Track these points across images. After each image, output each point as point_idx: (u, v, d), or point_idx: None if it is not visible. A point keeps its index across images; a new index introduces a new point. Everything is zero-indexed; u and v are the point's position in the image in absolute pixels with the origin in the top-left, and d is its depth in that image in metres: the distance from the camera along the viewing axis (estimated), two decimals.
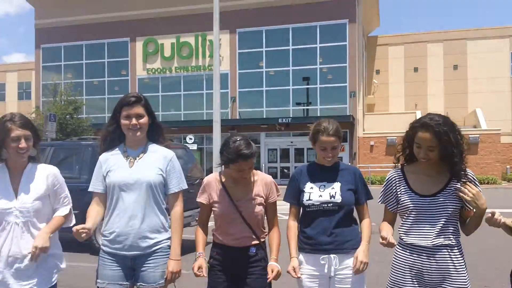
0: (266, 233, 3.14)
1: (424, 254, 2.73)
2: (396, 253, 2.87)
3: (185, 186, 3.04)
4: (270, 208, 3.12)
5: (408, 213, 2.79)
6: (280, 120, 29.65)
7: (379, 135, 30.66)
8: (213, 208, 3.07)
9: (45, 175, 2.87)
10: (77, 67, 35.41)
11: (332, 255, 2.96)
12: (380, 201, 3.01)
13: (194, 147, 24.74)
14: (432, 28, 63.81)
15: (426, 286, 2.75)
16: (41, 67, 36.28)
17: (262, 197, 3.07)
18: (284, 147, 31.24)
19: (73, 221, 3.00)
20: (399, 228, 2.87)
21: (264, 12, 31.01)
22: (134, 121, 2.88)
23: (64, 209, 2.94)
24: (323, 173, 3.06)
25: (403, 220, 2.85)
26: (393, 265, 2.88)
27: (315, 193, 3.00)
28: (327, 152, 3.01)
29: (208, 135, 29.18)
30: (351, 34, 30.24)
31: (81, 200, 8.76)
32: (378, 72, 37.87)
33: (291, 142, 30.99)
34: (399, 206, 2.86)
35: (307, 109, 31.77)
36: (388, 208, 2.96)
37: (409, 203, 2.77)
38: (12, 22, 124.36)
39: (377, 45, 37.88)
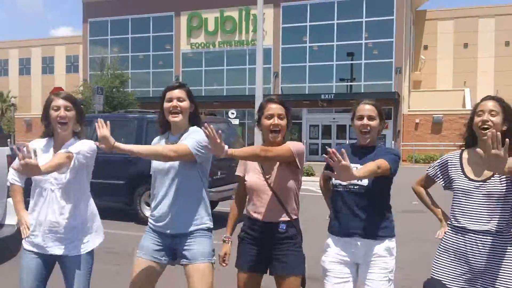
0: (297, 211, 3.08)
1: (472, 238, 2.68)
2: (445, 235, 2.84)
3: (190, 144, 2.87)
4: None
5: (459, 196, 2.76)
6: (322, 96, 29.35)
7: (425, 113, 29.92)
8: (245, 182, 3.08)
9: (79, 149, 2.96)
10: (123, 41, 36.00)
11: (359, 242, 2.89)
12: (429, 171, 3.02)
13: (236, 122, 24.86)
14: (484, 3, 61.05)
15: (471, 271, 2.70)
16: (88, 41, 37.08)
17: (295, 168, 3.01)
18: (326, 124, 30.97)
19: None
20: (450, 210, 2.84)
21: None
22: (174, 102, 2.95)
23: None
24: (360, 155, 2.95)
25: (454, 202, 2.80)
26: (440, 246, 2.85)
27: None
28: (363, 121, 2.90)
29: (250, 110, 29.32)
30: (398, 8, 29.37)
31: (126, 171, 9.15)
32: (426, 47, 36.71)
33: (333, 119, 30.67)
34: (450, 187, 2.85)
35: (351, 85, 31.28)
36: (435, 180, 2.98)
37: (461, 187, 2.74)
38: None
39: (426, 19, 36.63)
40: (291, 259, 2.96)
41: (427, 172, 3.05)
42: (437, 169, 2.97)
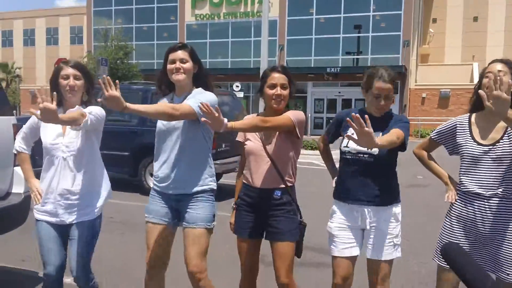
0: (294, 179, 3.10)
1: (479, 202, 2.69)
2: (453, 203, 2.84)
3: (193, 105, 2.82)
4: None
5: (467, 161, 2.74)
6: (328, 70, 29.12)
7: (432, 87, 29.70)
8: (244, 146, 3.10)
9: (92, 110, 2.99)
10: (127, 12, 35.65)
11: (366, 208, 2.90)
12: (433, 135, 2.98)
13: (241, 94, 24.77)
14: None
15: (478, 236, 2.71)
16: (92, 12, 36.76)
17: (295, 137, 3.02)
18: (331, 98, 30.82)
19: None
20: (458, 175, 2.83)
21: None
22: (177, 64, 2.93)
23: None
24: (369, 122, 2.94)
25: (462, 168, 2.79)
26: (448, 214, 2.85)
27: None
28: (380, 100, 2.87)
29: (255, 83, 29.05)
30: None
31: (132, 142, 9.17)
32: (434, 21, 36.14)
33: (339, 93, 30.52)
34: (457, 152, 2.84)
35: (357, 59, 30.99)
36: (440, 144, 2.95)
37: (469, 152, 2.72)
38: None
39: None
40: (285, 225, 2.99)
41: (432, 136, 3.01)
42: (443, 133, 2.92)
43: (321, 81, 30.16)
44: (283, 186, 3.00)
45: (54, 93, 2.65)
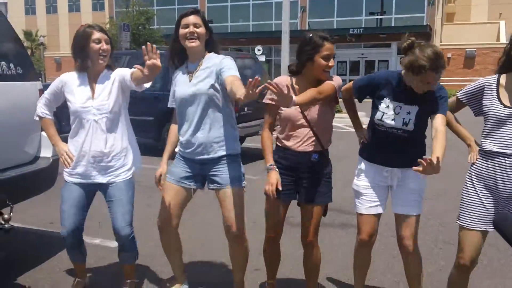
0: (330, 142, 3.12)
1: (499, 160, 2.68)
2: (475, 162, 2.83)
3: (237, 73, 2.88)
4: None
5: (492, 123, 2.72)
6: (351, 31, 28.57)
7: (458, 47, 28.98)
8: (279, 111, 3.06)
9: (114, 78, 3.07)
10: None
11: (395, 169, 2.95)
12: (460, 96, 2.90)
13: (263, 58, 24.61)
14: None
15: (499, 196, 2.72)
16: None
17: (333, 103, 3.05)
18: (354, 59, 30.38)
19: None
20: (481, 136, 2.81)
21: None
22: (191, 28, 2.92)
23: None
24: (404, 92, 2.83)
25: (486, 128, 2.77)
26: (469, 172, 2.85)
27: (389, 115, 2.84)
28: (429, 86, 2.73)
29: (277, 46, 28.78)
30: None
31: (155, 107, 9.29)
32: None
33: (362, 54, 30.02)
34: (482, 113, 2.79)
35: (381, 19, 30.28)
36: (466, 105, 2.89)
37: (495, 114, 2.69)
38: None
39: None
40: (321, 188, 3.05)
41: (459, 96, 2.92)
42: (470, 94, 2.86)
43: (344, 43, 29.63)
44: (320, 149, 3.04)
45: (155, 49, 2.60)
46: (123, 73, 3.04)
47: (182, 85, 3.05)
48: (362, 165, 3.07)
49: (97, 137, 3.00)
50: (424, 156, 2.46)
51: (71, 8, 46.14)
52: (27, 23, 47.00)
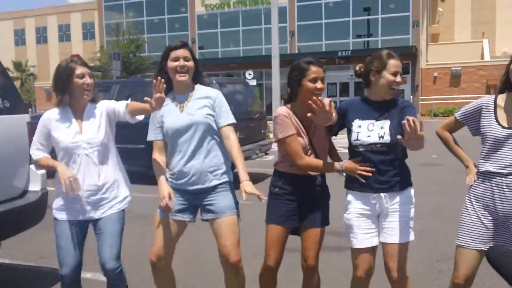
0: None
1: (496, 180, 2.69)
2: (473, 184, 2.84)
3: (233, 120, 3.03)
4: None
5: (490, 143, 2.73)
6: (339, 54, 28.91)
7: (443, 66, 29.36)
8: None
9: (100, 111, 3.03)
10: (138, 5, 35.70)
11: (382, 194, 2.87)
12: (458, 115, 2.94)
13: (254, 82, 24.76)
14: None
15: (497, 215, 2.72)
16: (103, 7, 36.86)
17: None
18: (344, 81, 30.62)
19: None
20: (479, 157, 2.83)
21: None
22: (182, 62, 2.94)
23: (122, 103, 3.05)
24: (372, 109, 2.90)
25: (484, 149, 2.78)
26: (468, 193, 2.86)
27: (363, 133, 2.86)
28: (397, 77, 2.82)
29: (267, 70, 28.92)
30: None
31: (146, 134, 9.22)
32: None
33: (351, 76, 30.24)
34: (480, 133, 2.82)
35: (368, 41, 30.71)
36: (464, 125, 2.92)
37: (492, 134, 2.71)
38: None
39: None
40: (324, 211, 3.10)
41: (456, 116, 2.95)
42: (468, 114, 2.87)
43: (333, 65, 29.95)
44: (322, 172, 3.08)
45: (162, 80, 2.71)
46: (112, 105, 3.03)
47: (173, 115, 3.02)
48: (349, 197, 3.00)
49: (89, 171, 2.94)
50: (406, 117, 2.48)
51: (61, 38, 46.44)
52: (16, 54, 47.17)
